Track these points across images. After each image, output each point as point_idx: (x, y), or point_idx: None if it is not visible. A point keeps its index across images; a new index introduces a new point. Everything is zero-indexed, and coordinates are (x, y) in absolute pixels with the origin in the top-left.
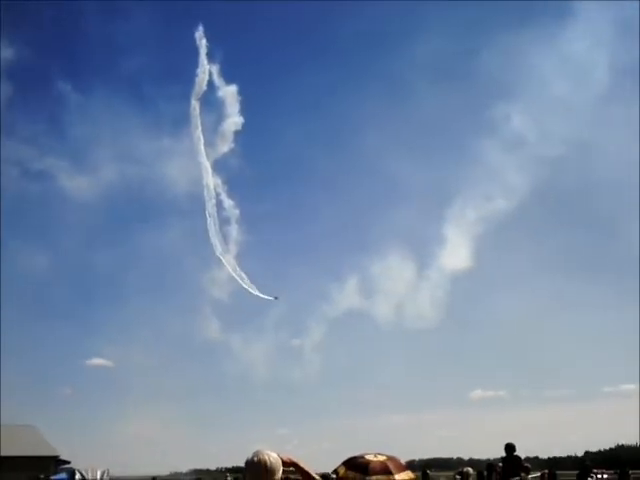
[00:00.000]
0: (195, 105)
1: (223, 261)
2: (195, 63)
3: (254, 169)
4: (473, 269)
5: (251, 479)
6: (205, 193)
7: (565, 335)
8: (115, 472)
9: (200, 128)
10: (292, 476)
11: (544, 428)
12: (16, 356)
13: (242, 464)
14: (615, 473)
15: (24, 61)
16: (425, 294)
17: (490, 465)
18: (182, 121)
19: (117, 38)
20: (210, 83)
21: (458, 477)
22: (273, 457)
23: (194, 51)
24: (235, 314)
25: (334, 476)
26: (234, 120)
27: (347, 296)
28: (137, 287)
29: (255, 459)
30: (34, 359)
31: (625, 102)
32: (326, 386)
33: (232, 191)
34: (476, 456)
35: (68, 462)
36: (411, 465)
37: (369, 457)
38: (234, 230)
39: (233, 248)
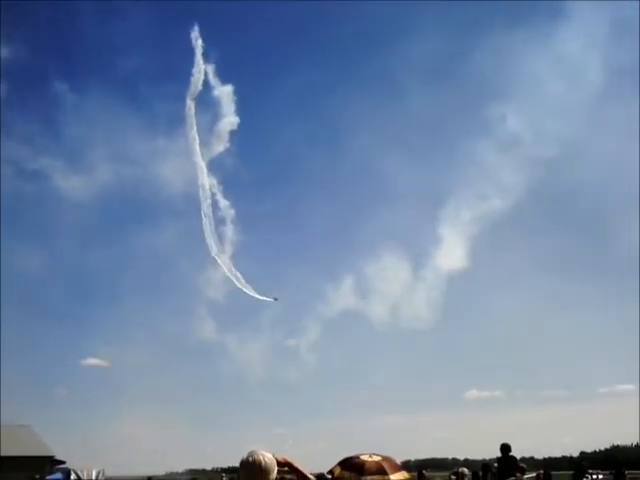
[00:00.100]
0: (190, 105)
1: (218, 261)
2: (191, 63)
3: (249, 169)
4: (468, 269)
5: (246, 479)
6: (200, 193)
7: (561, 335)
8: (110, 472)
9: (195, 128)
10: (287, 476)
11: (540, 428)
12: (11, 356)
13: (238, 464)
14: (611, 473)
15: (20, 61)
16: (420, 294)
17: (485, 465)
18: (177, 121)
19: (113, 38)
20: (206, 83)
21: (453, 477)
22: (268, 457)
23: (190, 51)
24: (230, 314)
25: (329, 476)
26: (229, 120)
27: (342, 296)
28: (132, 287)
29: (250, 459)
30: (29, 359)
31: (619, 102)
32: (322, 386)
33: (227, 191)
34: (471, 456)
35: (63, 462)
36: (406, 465)
37: (364, 457)
38: (229, 230)
39: (228, 248)
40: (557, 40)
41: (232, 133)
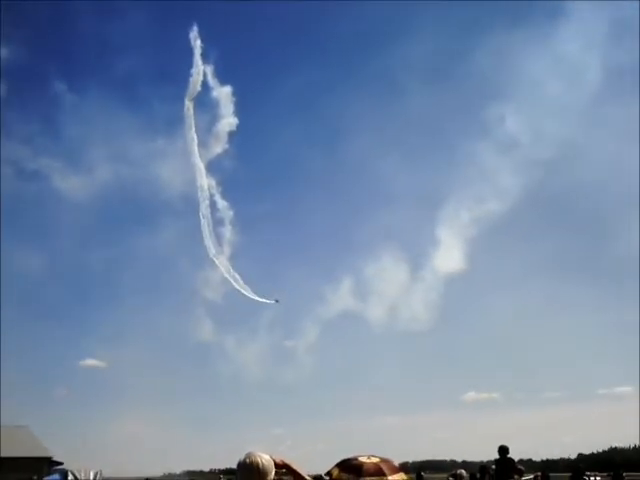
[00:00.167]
0: (189, 106)
1: (217, 262)
2: (189, 64)
3: (248, 170)
4: (466, 271)
5: None
6: (199, 194)
7: (559, 337)
8: (108, 473)
9: (194, 129)
10: (285, 478)
11: (538, 430)
12: (9, 356)
13: (236, 466)
14: (609, 475)
15: (19, 61)
16: (419, 296)
17: (483, 467)
18: (176, 122)
19: (112, 38)
20: (204, 84)
21: (451, 479)
22: (265, 459)
23: (188, 51)
24: (229, 315)
25: (327, 478)
26: (228, 121)
27: (341, 298)
28: (131, 288)
29: (247, 461)
30: (27, 360)
31: (618, 102)
32: (320, 387)
33: (226, 192)
34: (470, 458)
35: (61, 463)
36: (405, 467)
37: (363, 459)
38: (228, 231)
39: (227, 249)
40: (556, 40)
41: (231, 134)
